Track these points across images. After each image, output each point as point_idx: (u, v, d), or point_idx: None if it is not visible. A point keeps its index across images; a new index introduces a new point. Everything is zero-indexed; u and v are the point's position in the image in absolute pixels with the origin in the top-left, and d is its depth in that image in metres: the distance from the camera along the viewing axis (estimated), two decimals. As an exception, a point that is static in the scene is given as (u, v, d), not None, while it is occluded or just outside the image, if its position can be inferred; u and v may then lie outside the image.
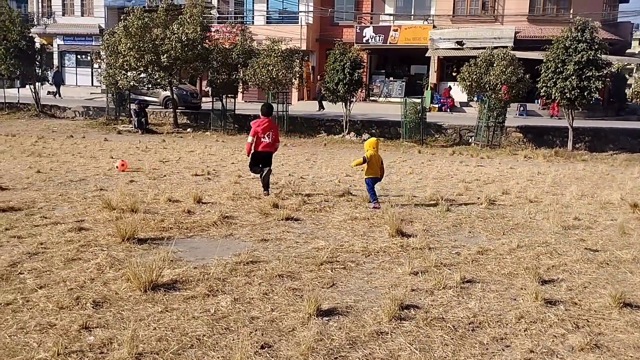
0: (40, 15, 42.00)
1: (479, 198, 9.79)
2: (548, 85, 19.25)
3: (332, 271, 5.60)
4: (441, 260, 6.02)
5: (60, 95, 34.14)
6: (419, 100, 22.22)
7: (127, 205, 7.96)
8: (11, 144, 16.49)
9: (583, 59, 18.44)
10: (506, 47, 24.89)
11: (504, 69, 19.49)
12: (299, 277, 5.39)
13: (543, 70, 19.47)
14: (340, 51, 21.83)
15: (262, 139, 9.39)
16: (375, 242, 6.76)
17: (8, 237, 6.40)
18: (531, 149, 19.14)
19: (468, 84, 20.32)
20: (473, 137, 21.58)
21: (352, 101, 22.54)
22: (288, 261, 5.85)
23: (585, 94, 18.65)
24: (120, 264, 5.53)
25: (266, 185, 9.60)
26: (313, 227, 7.47)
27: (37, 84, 27.52)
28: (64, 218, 7.46)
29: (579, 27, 18.85)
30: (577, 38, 18.72)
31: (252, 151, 9.42)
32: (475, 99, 32.08)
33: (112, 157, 14.14)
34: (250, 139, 9.42)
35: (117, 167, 12.12)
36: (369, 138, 11.15)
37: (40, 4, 41.99)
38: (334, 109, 24.00)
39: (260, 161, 9.55)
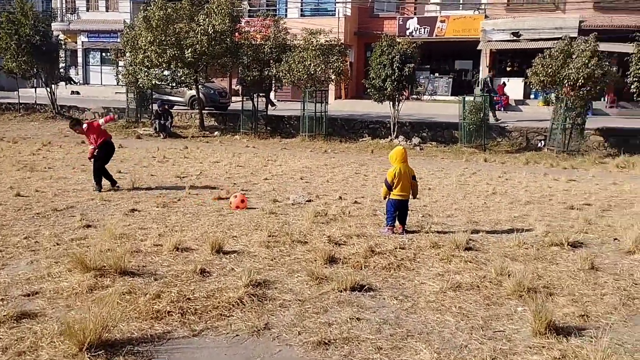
0: (64, 11, 40.15)
1: (616, 240, 6.84)
2: (642, 79, 16.05)
3: None
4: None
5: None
6: (480, 99, 19.17)
7: (112, 260, 5.27)
8: (7, 153, 14.08)
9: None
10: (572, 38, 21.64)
11: (587, 61, 16.31)
12: None
13: (634, 62, 16.26)
14: (388, 43, 18.91)
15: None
16: (514, 347, 3.93)
17: None
18: (623, 157, 15.90)
19: (542, 79, 17.16)
20: (544, 142, 18.44)
21: (401, 100, 19.62)
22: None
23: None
24: None
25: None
26: (397, 306, 4.66)
27: (54, 83, 25.36)
28: (7, 288, 4.82)
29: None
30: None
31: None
32: (534, 96, 29.04)
33: (120, 172, 11.56)
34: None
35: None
36: (400, 146, 8.61)
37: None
38: (367, 108, 21.15)
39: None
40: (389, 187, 6.87)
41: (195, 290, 4.82)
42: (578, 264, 5.73)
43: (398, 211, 6.99)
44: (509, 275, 5.27)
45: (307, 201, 8.96)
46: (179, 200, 8.91)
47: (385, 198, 7.03)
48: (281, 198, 9.18)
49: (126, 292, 4.70)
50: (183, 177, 11.28)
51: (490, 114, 20.98)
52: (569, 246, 6.43)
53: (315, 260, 5.70)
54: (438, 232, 7.06)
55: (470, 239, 6.58)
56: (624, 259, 6.06)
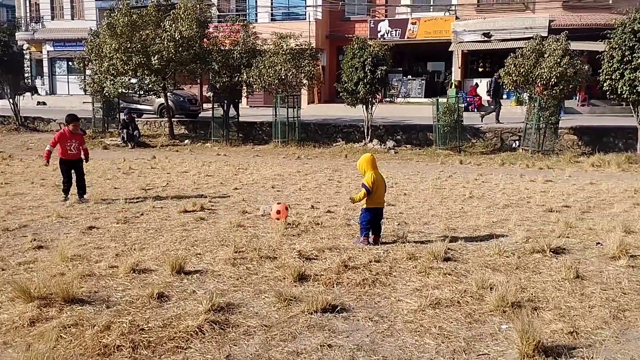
0: (29, 20, 39.13)
1: (599, 244, 6.56)
2: (613, 77, 15.97)
3: None
4: None
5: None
6: (452, 101, 19.00)
7: (60, 287, 4.79)
8: (-37, 169, 13.42)
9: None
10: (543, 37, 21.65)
11: (559, 60, 16.21)
12: None
13: (606, 60, 16.19)
14: (360, 45, 18.61)
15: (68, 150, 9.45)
16: (500, 373, 3.58)
17: None
18: (598, 156, 15.79)
19: (514, 78, 17.02)
20: (518, 142, 18.33)
21: (374, 103, 19.34)
22: None
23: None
24: None
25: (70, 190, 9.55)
26: (372, 328, 4.28)
27: (18, 94, 24.56)
28: (-62, 324, 4.32)
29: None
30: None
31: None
32: (506, 96, 29.03)
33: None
34: (49, 147, 9.62)
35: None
36: (368, 152, 8.27)
37: (28, 9, 39.10)
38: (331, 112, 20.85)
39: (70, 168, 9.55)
40: (369, 192, 6.45)
41: (150, 319, 4.38)
42: (562, 272, 5.42)
43: (374, 221, 6.62)
44: (490, 289, 4.94)
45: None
46: (141, 214, 8.43)
47: (359, 201, 6.58)
48: (251, 209, 8.75)
49: (72, 324, 4.23)
50: (148, 189, 10.78)
51: (492, 114, 21.40)
52: (551, 253, 6.13)
53: (284, 278, 5.30)
54: (415, 241, 6.71)
55: (448, 249, 6.25)
56: (609, 266, 5.77)
